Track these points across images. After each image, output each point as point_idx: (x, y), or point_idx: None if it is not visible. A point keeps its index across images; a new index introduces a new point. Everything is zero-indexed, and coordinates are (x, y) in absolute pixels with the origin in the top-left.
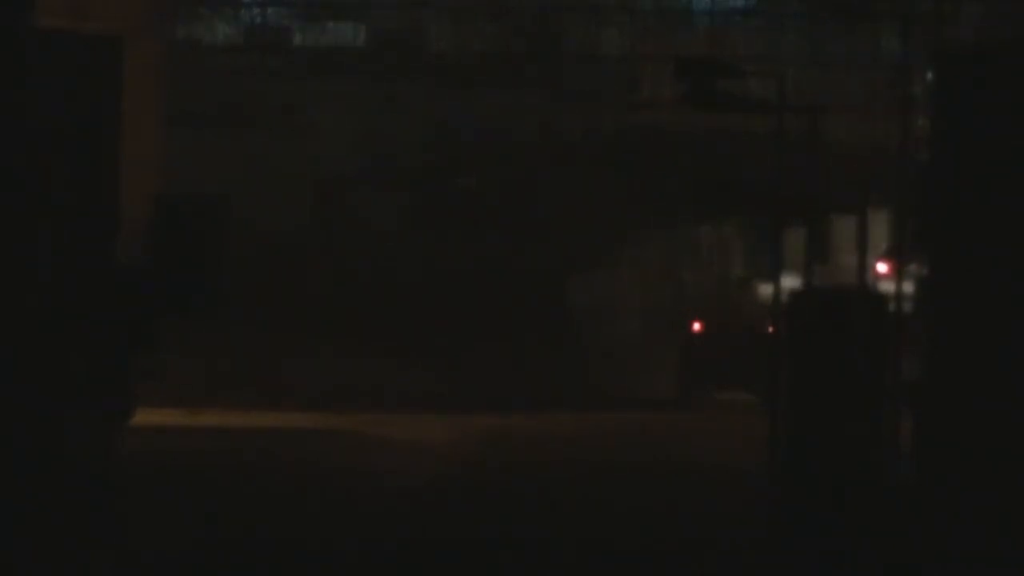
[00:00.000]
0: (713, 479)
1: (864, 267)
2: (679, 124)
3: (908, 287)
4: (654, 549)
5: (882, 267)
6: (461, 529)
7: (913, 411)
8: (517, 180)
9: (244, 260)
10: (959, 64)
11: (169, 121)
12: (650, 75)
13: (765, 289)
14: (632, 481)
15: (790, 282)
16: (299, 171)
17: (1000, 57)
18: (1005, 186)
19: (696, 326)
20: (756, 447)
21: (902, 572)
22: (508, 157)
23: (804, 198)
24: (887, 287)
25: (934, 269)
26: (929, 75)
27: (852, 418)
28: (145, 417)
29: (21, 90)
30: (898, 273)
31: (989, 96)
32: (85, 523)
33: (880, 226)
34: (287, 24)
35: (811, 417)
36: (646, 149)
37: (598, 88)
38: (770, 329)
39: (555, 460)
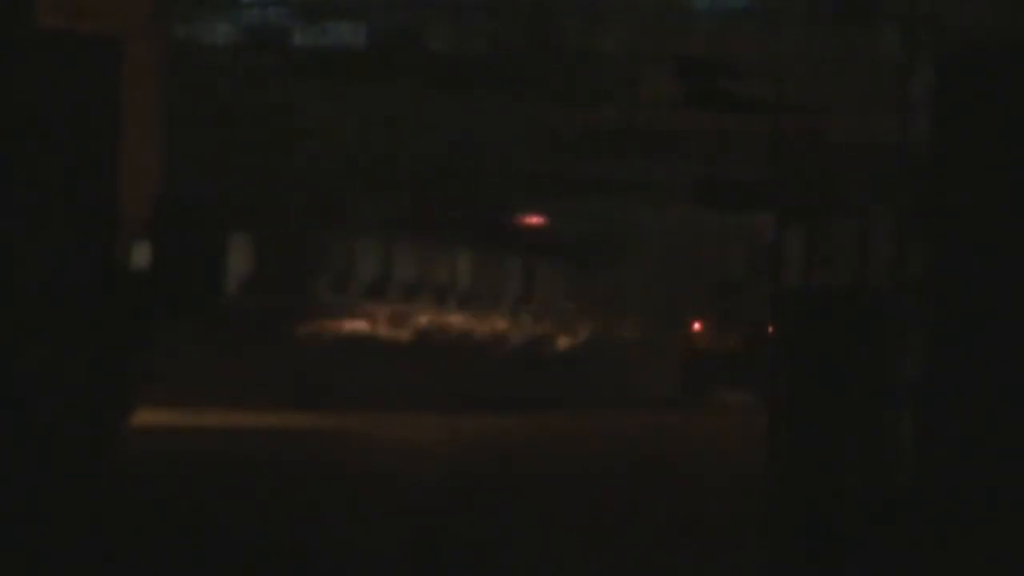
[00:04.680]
0: (713, 479)
1: (864, 267)
2: (679, 124)
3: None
4: (653, 551)
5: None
6: (461, 531)
7: (913, 411)
8: (517, 179)
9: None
10: (959, 64)
11: (169, 121)
12: (650, 75)
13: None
14: (631, 481)
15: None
16: (298, 171)
17: (1001, 57)
18: (1006, 186)
19: (696, 326)
20: (756, 447)
21: (903, 572)
22: (507, 156)
23: (804, 198)
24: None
25: (934, 269)
26: (929, 75)
27: (851, 419)
28: (145, 417)
29: (20, 90)
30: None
31: (990, 96)
32: (84, 523)
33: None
34: (287, 24)
35: (811, 418)
36: (646, 149)
37: (597, 88)
38: (770, 329)
39: (554, 462)
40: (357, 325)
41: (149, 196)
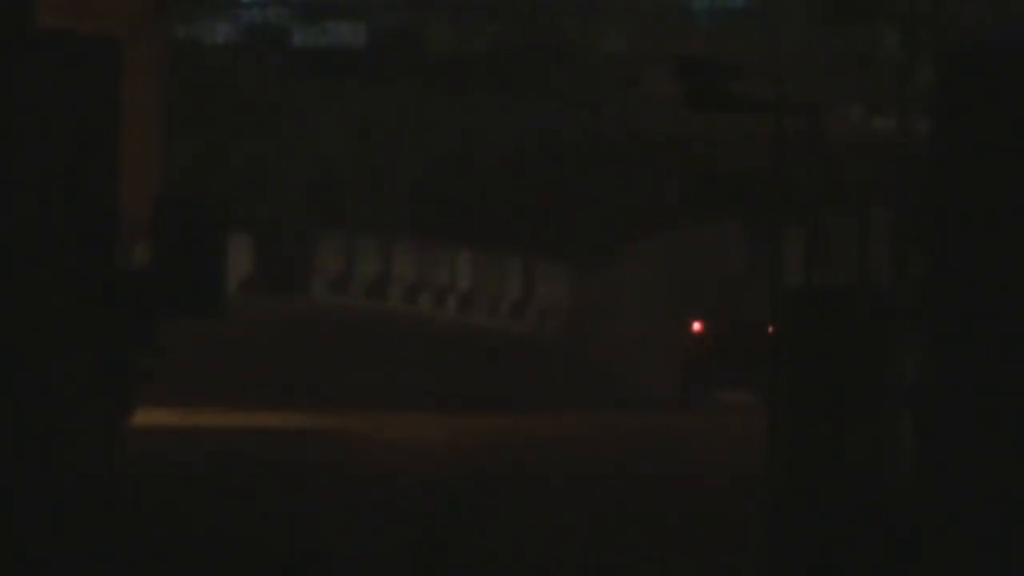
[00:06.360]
0: (712, 480)
1: (864, 267)
2: (679, 124)
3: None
4: (653, 552)
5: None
6: (460, 533)
7: (913, 411)
8: (517, 180)
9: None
10: (959, 63)
11: (169, 121)
12: (650, 75)
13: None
14: (630, 482)
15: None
16: (298, 171)
17: (1001, 57)
18: (1006, 186)
19: (696, 326)
20: (755, 448)
21: (902, 572)
22: (507, 157)
23: (804, 198)
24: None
25: (934, 269)
26: (929, 75)
27: (852, 419)
28: (145, 417)
29: (21, 90)
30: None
31: (990, 96)
32: (85, 523)
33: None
34: (287, 24)
35: (810, 418)
36: (646, 149)
37: (597, 88)
38: (770, 329)
39: (554, 462)
40: None
41: (149, 196)
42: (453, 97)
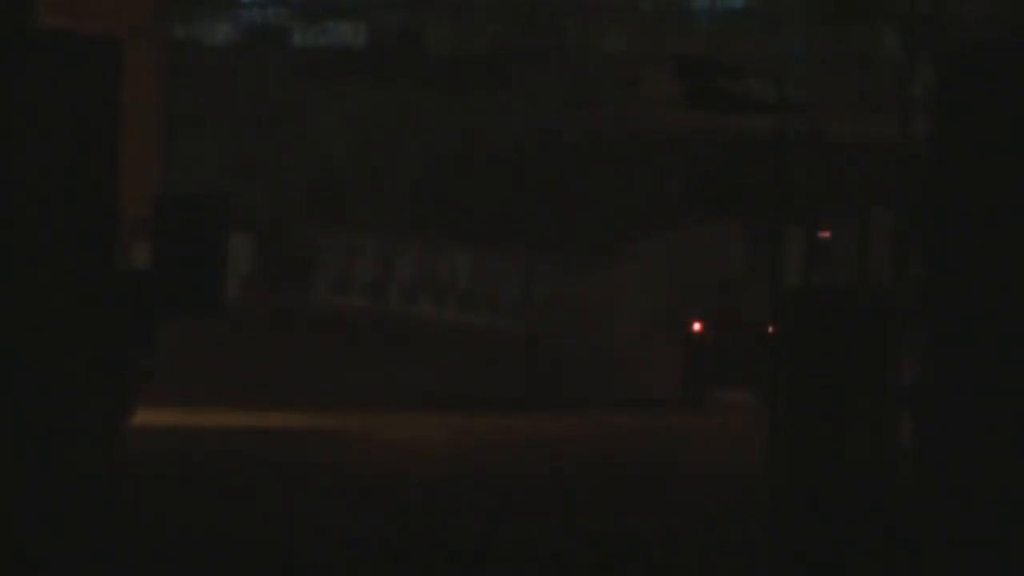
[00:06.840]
0: (712, 481)
1: (864, 267)
2: (679, 124)
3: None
4: (652, 552)
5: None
6: (460, 534)
7: (913, 412)
8: (517, 180)
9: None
10: (960, 64)
11: (169, 121)
12: (650, 75)
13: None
14: (630, 483)
15: None
16: (298, 171)
17: (1001, 57)
18: (1006, 186)
19: (696, 326)
20: (756, 448)
21: (903, 573)
22: (507, 157)
23: (804, 198)
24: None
25: (934, 269)
26: (929, 75)
27: (852, 419)
28: (145, 417)
29: (21, 90)
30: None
31: (990, 96)
32: (85, 523)
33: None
34: (287, 24)
35: (811, 418)
36: (646, 149)
37: (597, 88)
38: (770, 329)
39: (554, 462)
40: None
41: (149, 196)
42: (453, 97)
